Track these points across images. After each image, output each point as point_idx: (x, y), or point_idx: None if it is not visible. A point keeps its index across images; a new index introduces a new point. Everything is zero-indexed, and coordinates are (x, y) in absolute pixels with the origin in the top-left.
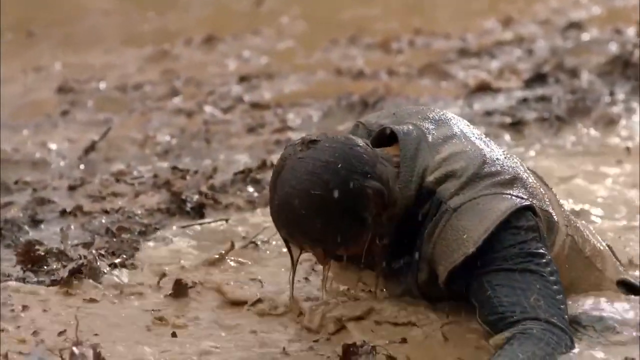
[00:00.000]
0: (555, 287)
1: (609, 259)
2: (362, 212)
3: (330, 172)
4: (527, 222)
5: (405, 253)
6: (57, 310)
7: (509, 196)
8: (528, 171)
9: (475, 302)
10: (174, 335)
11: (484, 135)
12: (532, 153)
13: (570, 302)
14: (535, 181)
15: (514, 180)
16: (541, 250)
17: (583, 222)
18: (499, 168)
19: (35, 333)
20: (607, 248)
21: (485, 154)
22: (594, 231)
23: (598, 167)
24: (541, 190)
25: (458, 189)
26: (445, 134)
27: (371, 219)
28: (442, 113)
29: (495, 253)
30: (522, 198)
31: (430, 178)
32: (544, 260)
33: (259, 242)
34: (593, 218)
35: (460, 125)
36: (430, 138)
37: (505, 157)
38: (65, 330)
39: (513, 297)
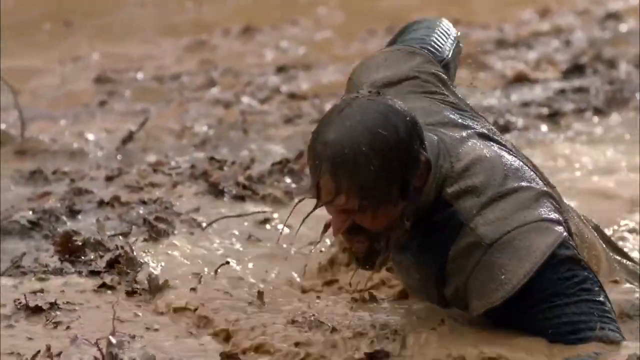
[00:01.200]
0: (608, 306)
1: (603, 259)
2: (411, 176)
3: (400, 119)
4: (567, 252)
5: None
6: (95, 302)
7: (544, 223)
8: (532, 165)
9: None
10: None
11: (488, 123)
12: (569, 144)
13: None
14: (546, 180)
15: (539, 197)
16: (587, 274)
17: (572, 206)
18: (520, 183)
19: (72, 324)
20: (600, 243)
21: (504, 163)
22: (582, 216)
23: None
24: (556, 191)
25: (480, 209)
26: (460, 135)
27: (412, 190)
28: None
29: (542, 292)
30: (553, 220)
31: (449, 190)
32: (594, 287)
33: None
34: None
35: (463, 114)
36: (447, 139)
37: (519, 160)
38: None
39: (579, 333)
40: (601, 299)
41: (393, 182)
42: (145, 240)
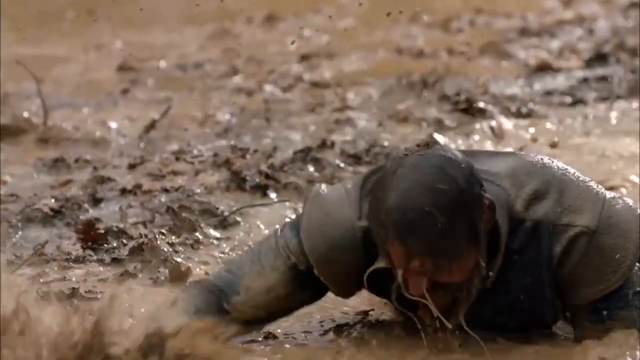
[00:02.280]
0: None
1: None
2: (478, 222)
3: (457, 169)
4: None
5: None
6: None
7: (610, 193)
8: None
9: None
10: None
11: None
12: (593, 133)
13: None
14: None
15: (577, 174)
16: None
17: None
18: (553, 170)
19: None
20: None
21: (529, 160)
22: None
23: None
24: None
25: (557, 205)
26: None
27: (482, 235)
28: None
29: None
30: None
31: (517, 209)
32: None
33: None
34: None
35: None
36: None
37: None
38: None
39: None
40: None
41: (462, 234)
42: (168, 228)
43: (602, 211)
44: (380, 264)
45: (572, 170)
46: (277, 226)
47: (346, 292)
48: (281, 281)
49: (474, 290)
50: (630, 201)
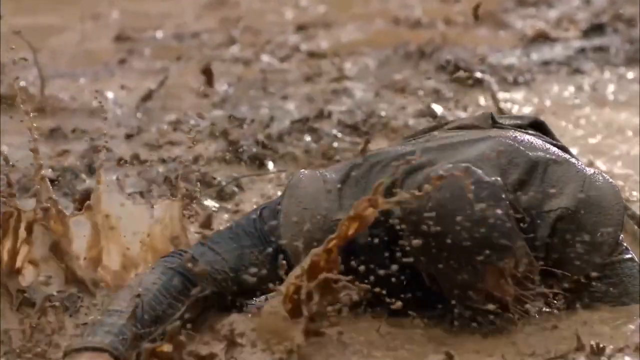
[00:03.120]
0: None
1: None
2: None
3: (477, 172)
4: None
5: None
6: None
7: (597, 173)
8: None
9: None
10: None
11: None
12: (590, 103)
13: None
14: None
15: (559, 155)
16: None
17: None
18: (542, 155)
19: None
20: None
21: (510, 146)
22: None
23: None
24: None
25: (537, 192)
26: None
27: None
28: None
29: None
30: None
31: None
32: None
33: None
34: None
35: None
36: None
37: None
38: None
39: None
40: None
41: (513, 222)
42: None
43: (583, 190)
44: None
45: (552, 150)
46: (259, 207)
47: None
48: (257, 263)
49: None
50: (608, 177)
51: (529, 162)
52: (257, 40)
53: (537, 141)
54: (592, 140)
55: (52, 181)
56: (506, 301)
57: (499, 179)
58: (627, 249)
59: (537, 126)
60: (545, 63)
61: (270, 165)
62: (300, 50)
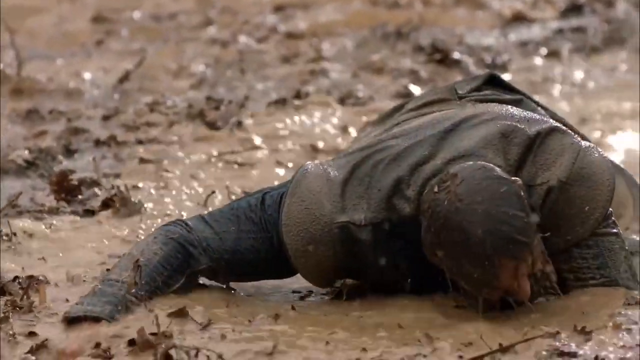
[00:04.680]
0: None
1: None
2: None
3: (495, 170)
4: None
5: None
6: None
7: (584, 143)
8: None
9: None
10: None
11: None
12: (568, 83)
13: None
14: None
15: (554, 127)
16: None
17: None
18: (539, 127)
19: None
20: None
21: (509, 123)
22: None
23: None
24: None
25: (531, 166)
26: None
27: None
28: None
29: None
30: (584, 139)
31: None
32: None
33: None
34: None
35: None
36: None
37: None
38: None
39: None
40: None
41: (531, 217)
42: (142, 179)
43: (576, 162)
44: (481, 296)
45: (548, 121)
46: (262, 191)
47: (321, 283)
48: (253, 250)
49: (549, 260)
50: (601, 151)
51: (527, 139)
52: (235, 21)
53: (532, 115)
54: (569, 121)
55: (28, 163)
56: (522, 300)
57: (518, 180)
58: (614, 223)
59: (492, 81)
60: (523, 44)
61: (247, 144)
62: (278, 31)
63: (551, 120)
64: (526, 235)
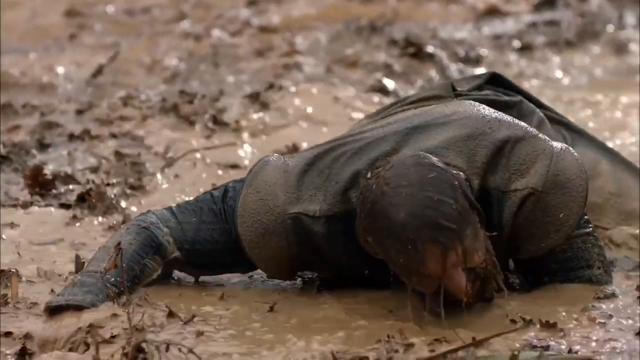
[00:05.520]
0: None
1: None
2: (471, 195)
3: (427, 157)
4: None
5: None
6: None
7: (564, 150)
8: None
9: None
10: None
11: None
12: (541, 76)
13: None
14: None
15: (527, 131)
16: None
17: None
18: (509, 131)
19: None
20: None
21: (477, 125)
22: None
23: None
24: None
25: (504, 171)
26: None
27: (480, 208)
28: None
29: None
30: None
31: (474, 184)
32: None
33: None
34: None
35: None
36: None
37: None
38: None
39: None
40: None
41: (468, 208)
42: (116, 173)
43: (550, 169)
44: (411, 285)
45: (520, 125)
46: (224, 184)
47: (279, 274)
48: (212, 241)
49: (496, 260)
50: (575, 153)
51: (496, 143)
52: (208, 15)
53: (504, 118)
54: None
55: (2, 157)
56: (460, 296)
57: (460, 173)
58: (586, 221)
59: (495, 80)
60: (497, 37)
61: (222, 139)
62: (251, 25)
63: (524, 124)
64: (454, 222)
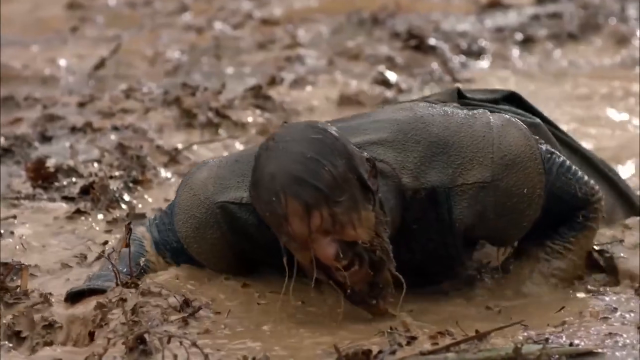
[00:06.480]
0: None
1: None
2: (363, 173)
3: (323, 127)
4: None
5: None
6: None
7: (503, 125)
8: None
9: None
10: None
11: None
12: (544, 69)
13: None
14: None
15: (467, 116)
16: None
17: None
18: (443, 126)
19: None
20: None
21: (410, 121)
22: None
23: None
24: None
25: (446, 167)
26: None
27: (369, 189)
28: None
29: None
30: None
31: (406, 180)
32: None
33: None
34: None
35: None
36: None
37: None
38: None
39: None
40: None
41: (350, 181)
42: (118, 166)
43: (493, 156)
44: (286, 246)
45: (454, 117)
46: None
47: (223, 268)
48: (170, 242)
49: (388, 247)
50: (517, 122)
51: (430, 138)
52: (210, 7)
53: (438, 112)
54: (543, 107)
55: (4, 150)
56: (329, 263)
57: (365, 154)
58: (549, 152)
59: (513, 99)
60: (499, 30)
61: (224, 132)
62: (254, 17)
63: (461, 114)
64: (322, 183)
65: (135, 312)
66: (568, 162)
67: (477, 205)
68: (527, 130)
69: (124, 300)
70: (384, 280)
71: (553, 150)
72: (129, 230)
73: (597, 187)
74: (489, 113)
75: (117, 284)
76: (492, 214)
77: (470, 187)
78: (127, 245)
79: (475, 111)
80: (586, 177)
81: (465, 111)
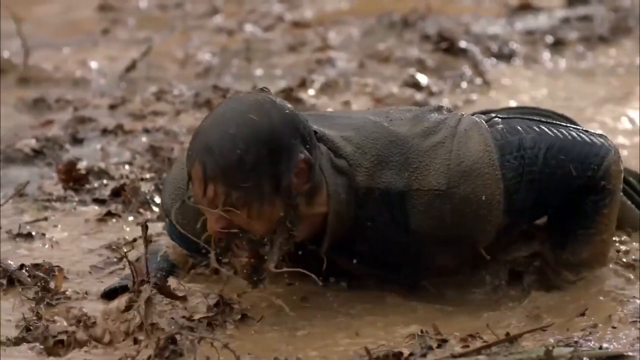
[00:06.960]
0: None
1: None
2: (284, 171)
3: (277, 110)
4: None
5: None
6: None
7: (462, 131)
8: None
9: None
10: None
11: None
12: (574, 72)
13: None
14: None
15: (435, 123)
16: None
17: None
18: (405, 128)
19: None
20: None
21: (376, 121)
22: None
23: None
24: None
25: (402, 170)
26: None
27: (286, 187)
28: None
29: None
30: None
31: (361, 179)
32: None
33: None
34: None
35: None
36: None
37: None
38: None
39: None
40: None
41: (262, 172)
42: (149, 168)
43: (450, 162)
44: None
45: (423, 122)
46: None
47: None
48: None
49: (277, 251)
50: (482, 126)
51: (390, 138)
52: (241, 9)
53: (412, 117)
54: (571, 111)
55: (35, 152)
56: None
57: (303, 155)
58: (513, 156)
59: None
60: (529, 32)
61: None
62: (284, 19)
63: (433, 118)
64: (227, 162)
65: (161, 312)
66: (560, 143)
67: (434, 211)
68: (488, 134)
69: (150, 300)
70: (266, 270)
71: (539, 138)
72: (145, 229)
73: (602, 152)
74: (460, 116)
75: (133, 283)
76: (450, 221)
77: (425, 194)
78: (148, 241)
79: (450, 114)
80: (586, 149)
81: (440, 116)
